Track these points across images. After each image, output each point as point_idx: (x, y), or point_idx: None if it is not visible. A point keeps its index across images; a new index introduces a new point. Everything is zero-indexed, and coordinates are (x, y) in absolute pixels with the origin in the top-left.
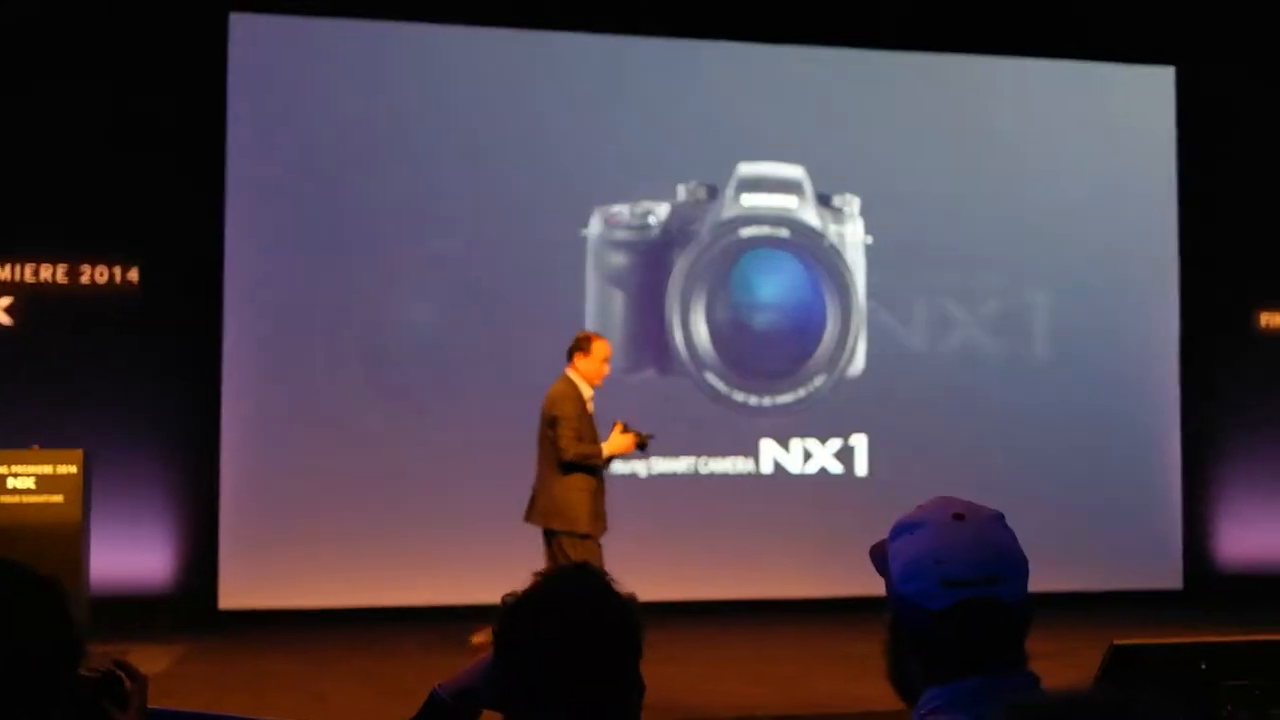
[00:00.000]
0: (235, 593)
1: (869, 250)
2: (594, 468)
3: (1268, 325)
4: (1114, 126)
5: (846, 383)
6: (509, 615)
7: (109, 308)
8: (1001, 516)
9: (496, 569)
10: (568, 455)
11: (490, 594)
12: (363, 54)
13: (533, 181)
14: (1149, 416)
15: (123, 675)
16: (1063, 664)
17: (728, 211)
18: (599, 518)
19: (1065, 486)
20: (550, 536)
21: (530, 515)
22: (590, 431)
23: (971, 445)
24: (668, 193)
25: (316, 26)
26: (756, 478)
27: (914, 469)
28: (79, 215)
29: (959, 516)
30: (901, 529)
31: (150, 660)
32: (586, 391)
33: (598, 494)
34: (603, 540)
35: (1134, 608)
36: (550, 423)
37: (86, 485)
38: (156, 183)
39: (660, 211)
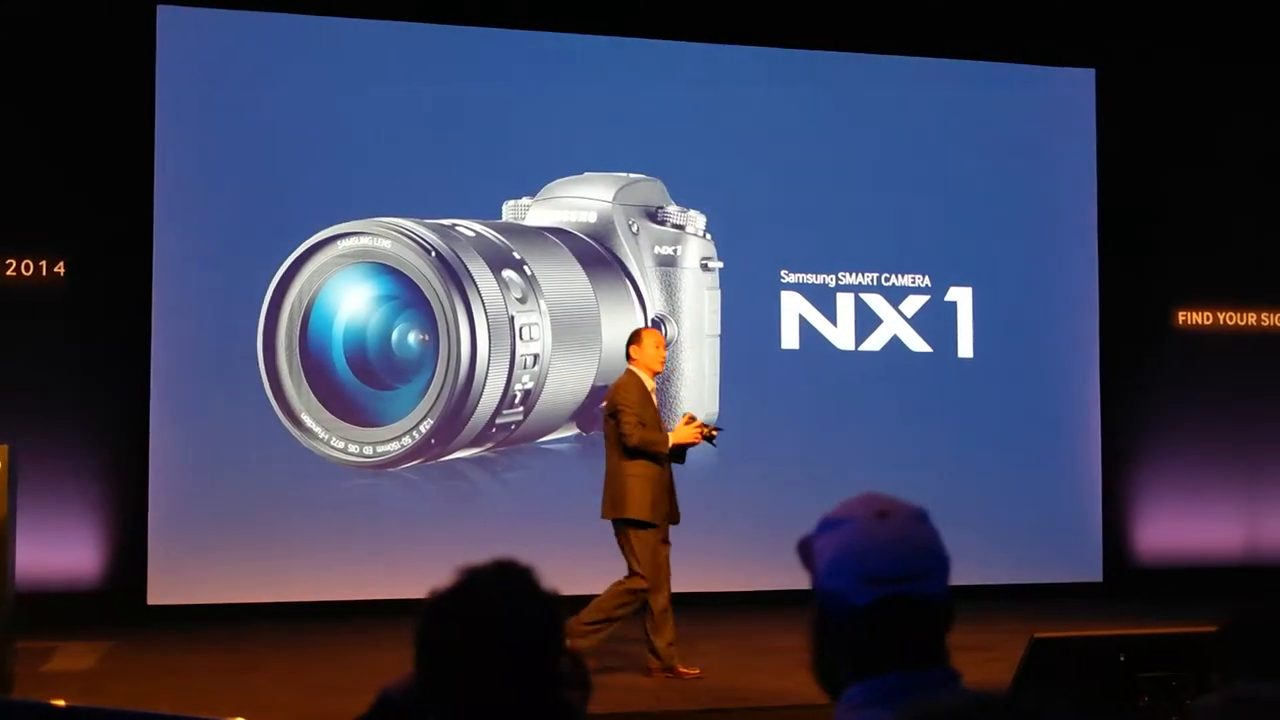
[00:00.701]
0: (164, 588)
1: (800, 245)
2: (657, 457)
3: (1186, 323)
4: (1036, 127)
5: (769, 375)
6: (426, 615)
7: (35, 301)
8: (924, 514)
9: (430, 563)
10: (632, 440)
11: (422, 588)
12: (290, 47)
13: (451, 172)
14: (1069, 412)
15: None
16: (985, 657)
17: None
18: (660, 506)
19: (987, 481)
20: (617, 528)
21: (602, 510)
22: (654, 421)
23: (894, 441)
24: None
25: (244, 19)
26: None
27: (836, 465)
28: (4, 209)
29: (882, 514)
30: (825, 526)
31: (78, 657)
32: (649, 384)
33: (660, 483)
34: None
35: (1055, 600)
36: (612, 413)
37: (12, 480)
38: (84, 176)
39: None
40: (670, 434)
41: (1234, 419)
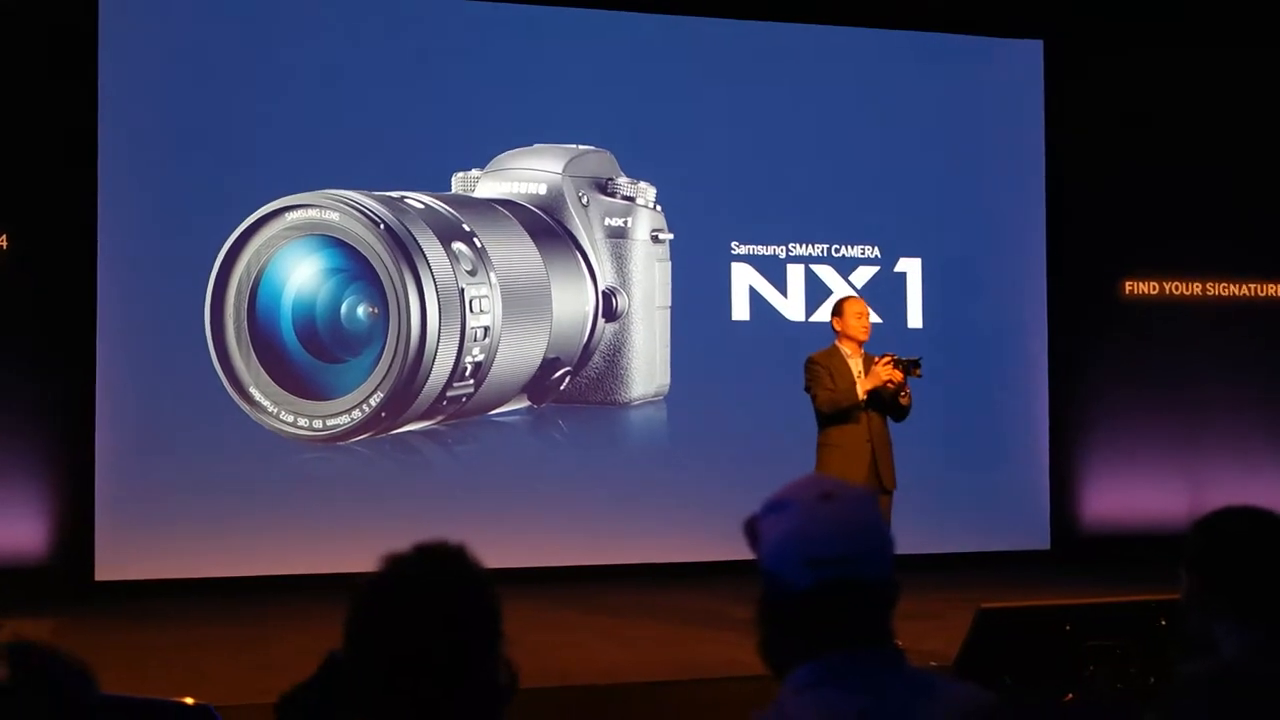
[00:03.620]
0: (112, 564)
1: (750, 217)
2: (850, 418)
3: (1133, 293)
4: (984, 99)
5: (720, 347)
6: (357, 600)
7: None
8: (868, 495)
9: (381, 537)
10: (823, 407)
11: (373, 562)
12: (238, 17)
13: (400, 144)
14: (1017, 382)
15: None
16: (934, 625)
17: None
18: (855, 473)
19: (936, 451)
20: None
21: None
22: (846, 384)
23: None
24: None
25: None
26: (622, 447)
27: (787, 436)
28: None
29: (826, 496)
30: (770, 507)
31: (24, 634)
32: (848, 351)
33: (854, 450)
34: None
35: (1003, 569)
36: (805, 389)
37: None
38: (25, 148)
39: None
40: (860, 383)
41: (1180, 388)
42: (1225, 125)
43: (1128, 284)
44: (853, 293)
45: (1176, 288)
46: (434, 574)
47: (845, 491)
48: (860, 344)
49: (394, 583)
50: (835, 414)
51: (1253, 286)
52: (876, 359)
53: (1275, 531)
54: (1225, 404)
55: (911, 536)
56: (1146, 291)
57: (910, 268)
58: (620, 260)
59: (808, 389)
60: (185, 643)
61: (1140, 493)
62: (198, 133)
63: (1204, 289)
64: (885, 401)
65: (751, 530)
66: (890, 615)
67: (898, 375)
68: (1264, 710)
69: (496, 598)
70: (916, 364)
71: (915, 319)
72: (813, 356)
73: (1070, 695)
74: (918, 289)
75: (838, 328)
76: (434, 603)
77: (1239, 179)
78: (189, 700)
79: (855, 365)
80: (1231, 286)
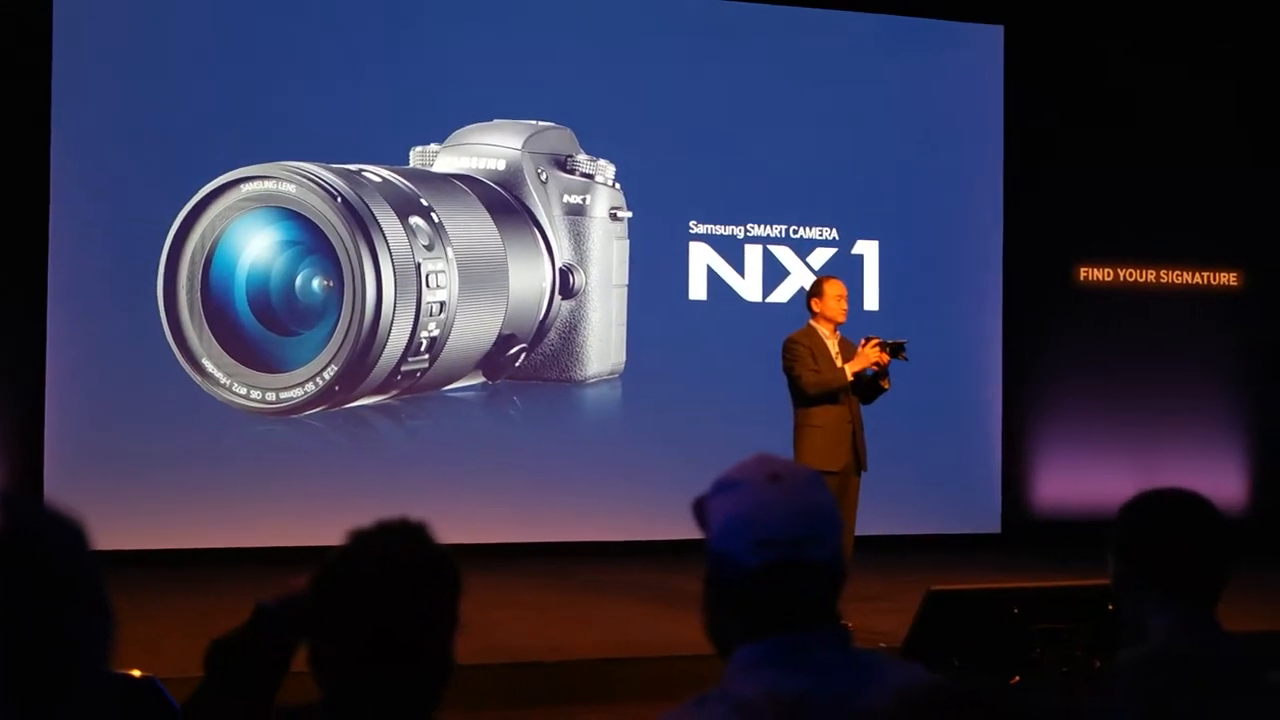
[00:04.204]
0: None
1: (708, 197)
2: (834, 399)
3: (1087, 278)
4: (944, 83)
5: (677, 326)
6: (323, 575)
7: None
8: (817, 477)
9: (333, 510)
10: (810, 389)
11: (325, 536)
12: None
13: (358, 117)
14: (972, 365)
15: None
16: (884, 607)
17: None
18: (838, 454)
19: (890, 433)
20: None
21: None
22: (829, 366)
23: None
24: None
25: None
26: (579, 424)
27: (742, 416)
28: None
29: (775, 477)
30: (719, 487)
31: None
32: (825, 332)
33: (838, 431)
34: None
35: (954, 551)
36: (785, 373)
37: None
38: None
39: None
40: (847, 365)
41: (1132, 374)
42: (1182, 115)
43: (1082, 270)
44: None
45: (1130, 274)
46: (400, 551)
47: (794, 473)
48: (836, 326)
49: (360, 559)
50: (821, 395)
51: (1205, 274)
52: (863, 341)
53: (1194, 511)
54: (1177, 389)
55: (865, 518)
56: (1100, 278)
57: (868, 250)
58: (578, 238)
59: (789, 369)
60: (133, 616)
61: (1091, 477)
62: (154, 102)
63: (1157, 276)
64: (864, 384)
65: (700, 510)
66: (837, 596)
67: (884, 358)
68: (1192, 691)
69: (459, 575)
70: (902, 347)
71: (872, 301)
72: (794, 337)
73: (1017, 677)
74: (875, 271)
75: (816, 308)
76: (400, 579)
77: (1194, 168)
78: (135, 672)
79: (832, 346)
80: (1184, 274)
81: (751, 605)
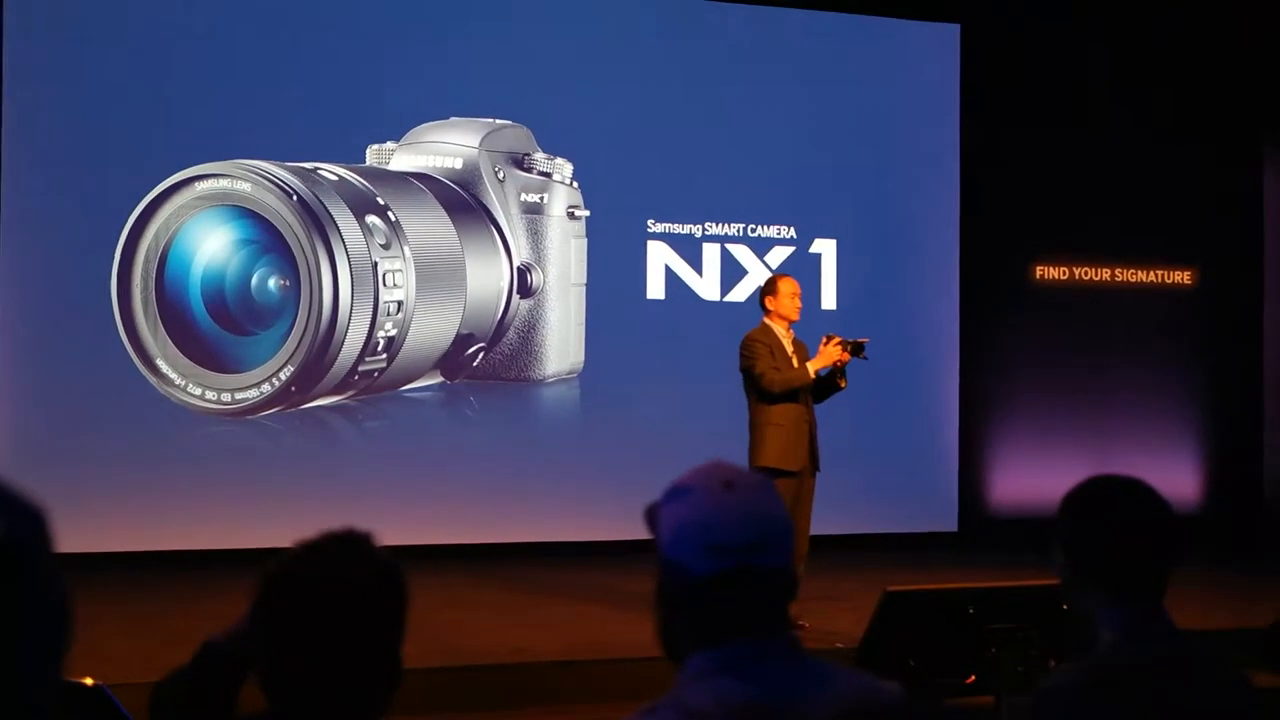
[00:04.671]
0: None
1: (666, 195)
2: (794, 398)
3: (1043, 277)
4: (901, 81)
5: (635, 325)
6: (265, 588)
7: None
8: (771, 484)
9: (289, 512)
10: (773, 387)
11: (280, 538)
12: None
13: (313, 115)
14: (929, 364)
15: None
16: (842, 607)
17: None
18: (796, 454)
19: (847, 432)
20: None
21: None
22: (787, 364)
23: None
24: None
25: None
26: (533, 425)
27: (700, 415)
28: None
29: (728, 484)
30: (671, 494)
31: None
32: (779, 330)
33: (796, 430)
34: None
35: (911, 550)
36: (743, 371)
37: None
38: None
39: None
40: (809, 364)
41: (1088, 373)
42: (1137, 115)
43: (1038, 268)
44: (785, 272)
45: (1086, 273)
46: (345, 562)
47: (746, 479)
48: (790, 324)
49: (303, 572)
50: (783, 394)
51: (1160, 273)
52: (824, 339)
53: (1136, 500)
54: (1132, 387)
55: (820, 517)
56: (1056, 276)
57: (825, 249)
58: (536, 236)
59: (748, 368)
60: (85, 619)
61: (1048, 475)
62: (106, 99)
63: (1113, 274)
64: (821, 383)
65: (652, 517)
66: (788, 604)
67: (845, 357)
68: (1137, 700)
69: (405, 585)
70: (862, 346)
71: (829, 300)
72: (753, 334)
73: (973, 677)
74: (832, 270)
75: (770, 306)
76: (345, 591)
77: (1149, 168)
78: (87, 681)
79: (787, 345)
80: (1139, 272)
81: (703, 612)
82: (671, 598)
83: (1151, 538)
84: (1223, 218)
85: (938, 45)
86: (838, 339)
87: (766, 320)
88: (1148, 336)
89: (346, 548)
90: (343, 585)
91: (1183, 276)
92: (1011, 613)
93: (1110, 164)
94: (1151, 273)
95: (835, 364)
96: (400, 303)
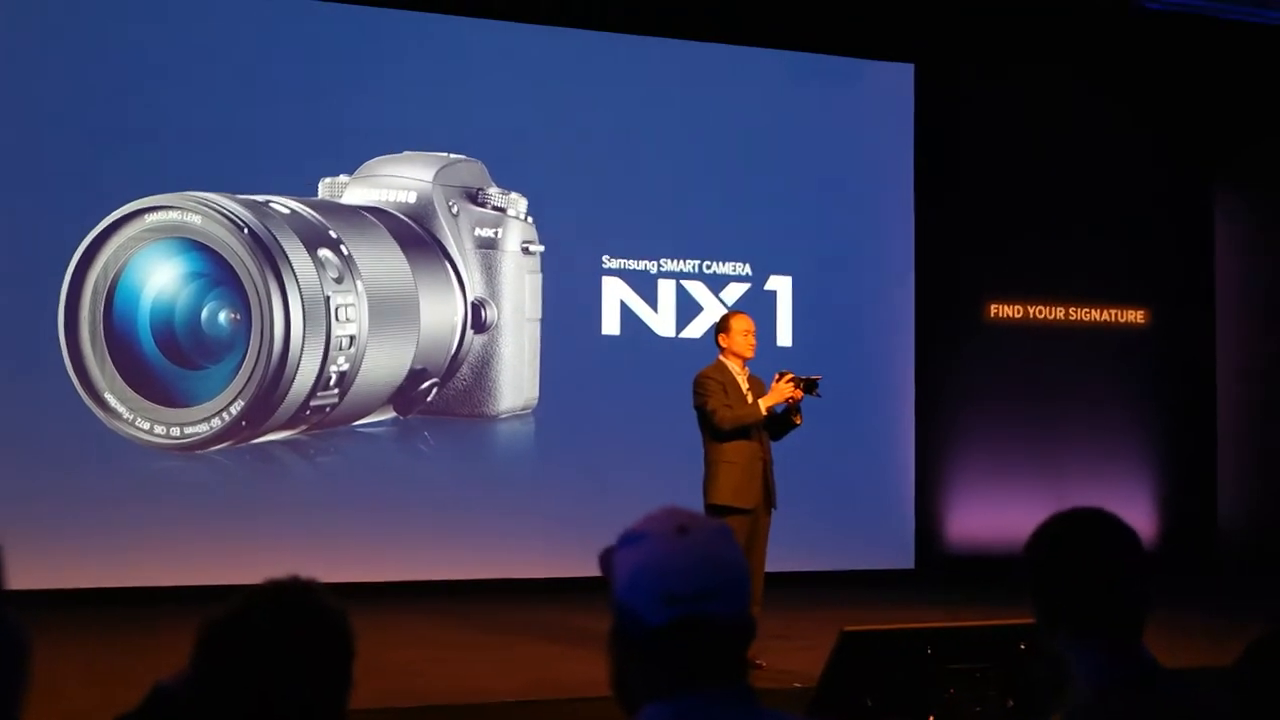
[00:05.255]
0: None
1: (622, 231)
2: (746, 435)
3: (997, 315)
4: (856, 120)
5: (590, 361)
6: (207, 639)
7: None
8: (725, 529)
9: (239, 548)
10: (724, 424)
11: (231, 575)
12: (103, 12)
13: (265, 147)
14: (884, 401)
15: None
16: (799, 645)
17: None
18: (750, 491)
19: (803, 469)
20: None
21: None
22: (740, 401)
23: None
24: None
25: None
26: (489, 460)
27: (655, 452)
28: None
29: (682, 529)
30: (626, 540)
31: None
32: (734, 367)
33: (749, 468)
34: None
35: (868, 588)
36: (696, 408)
37: None
38: None
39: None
40: (761, 400)
41: (1042, 410)
42: (1090, 156)
43: (992, 306)
44: (739, 309)
45: (1040, 311)
46: (287, 615)
47: (702, 525)
48: (745, 361)
49: (246, 623)
50: (734, 431)
51: (1112, 311)
52: (776, 376)
53: (1103, 533)
54: (1087, 424)
55: (777, 555)
56: (1010, 314)
57: (780, 285)
58: (490, 271)
59: (700, 405)
60: (35, 658)
61: (1004, 512)
62: (55, 128)
63: (1066, 313)
64: (776, 420)
65: (606, 563)
66: (744, 653)
67: (798, 394)
68: None
69: (351, 636)
70: (815, 384)
71: (785, 337)
72: (705, 372)
73: (931, 718)
74: (788, 307)
75: (723, 344)
76: (287, 646)
77: (1101, 209)
78: None
79: (742, 382)
80: (1092, 311)
81: (657, 662)
82: (625, 645)
83: (1122, 571)
84: (1175, 258)
85: (892, 85)
86: (790, 375)
87: (721, 358)
88: (1101, 374)
89: (290, 598)
90: (286, 637)
91: (1136, 315)
92: (970, 653)
93: (1064, 204)
94: (1105, 311)
95: (788, 401)
96: (353, 337)
